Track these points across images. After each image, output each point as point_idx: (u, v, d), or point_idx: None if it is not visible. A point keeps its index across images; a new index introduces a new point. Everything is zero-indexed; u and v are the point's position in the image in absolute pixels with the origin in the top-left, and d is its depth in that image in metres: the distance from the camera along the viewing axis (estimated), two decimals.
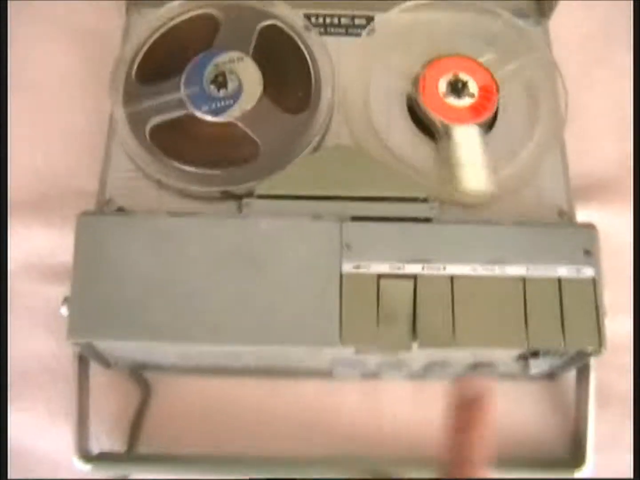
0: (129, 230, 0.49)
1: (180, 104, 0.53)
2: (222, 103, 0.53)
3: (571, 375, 0.55)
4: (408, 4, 0.57)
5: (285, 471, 0.49)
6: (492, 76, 0.55)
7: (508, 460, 0.50)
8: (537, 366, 0.51)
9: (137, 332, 0.47)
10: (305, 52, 0.55)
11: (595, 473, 0.52)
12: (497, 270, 0.48)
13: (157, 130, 0.53)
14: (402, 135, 0.54)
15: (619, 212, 0.59)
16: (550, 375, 0.56)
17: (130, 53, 0.55)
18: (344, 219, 0.49)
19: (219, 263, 0.48)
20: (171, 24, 0.56)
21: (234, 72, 0.53)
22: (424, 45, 0.56)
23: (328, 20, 0.58)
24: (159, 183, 0.52)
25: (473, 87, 0.54)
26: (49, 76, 0.63)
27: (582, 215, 0.55)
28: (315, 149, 0.53)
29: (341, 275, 0.47)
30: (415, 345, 0.47)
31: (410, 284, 0.48)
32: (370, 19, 0.58)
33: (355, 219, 0.49)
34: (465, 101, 0.54)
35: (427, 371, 0.53)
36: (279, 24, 0.56)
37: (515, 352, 0.49)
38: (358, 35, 0.58)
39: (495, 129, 0.55)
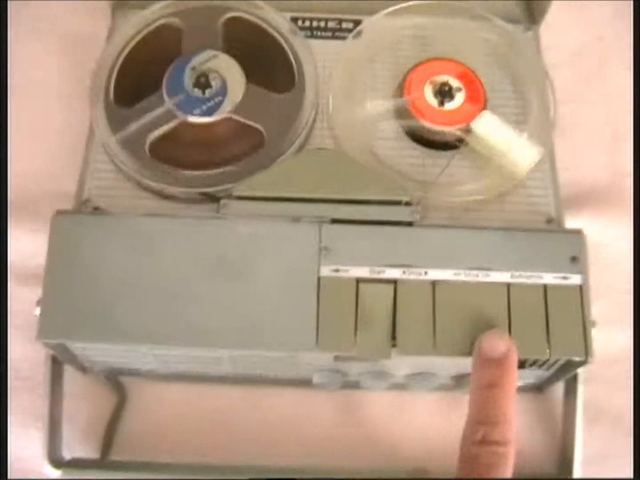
0: (104, 230, 0.48)
1: (171, 115, 0.52)
2: (212, 102, 0.52)
3: (561, 387, 0.53)
4: (395, 7, 0.56)
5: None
6: (479, 80, 0.53)
7: None
8: (523, 377, 0.50)
9: (109, 334, 0.46)
10: (290, 54, 0.54)
11: None
12: (480, 276, 0.47)
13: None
14: (387, 139, 0.53)
15: (610, 221, 0.58)
16: (539, 388, 0.54)
17: (110, 58, 0.55)
18: (324, 222, 0.48)
19: (196, 265, 0.47)
20: (134, 42, 0.55)
21: (213, 70, 0.52)
22: (411, 48, 0.56)
23: (315, 23, 0.58)
24: (138, 184, 0.51)
25: (460, 90, 0.53)
26: (31, 79, 0.63)
27: (573, 224, 0.54)
28: (297, 151, 0.51)
29: (319, 279, 0.46)
30: (394, 353, 0.45)
31: (390, 289, 0.46)
32: (357, 23, 0.57)
33: (336, 221, 0.48)
34: (453, 105, 0.53)
35: (410, 382, 0.51)
36: (243, 14, 0.56)
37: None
38: (345, 38, 0.57)
39: None
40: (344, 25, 0.58)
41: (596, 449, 0.53)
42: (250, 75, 0.53)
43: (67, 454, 0.51)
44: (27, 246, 0.57)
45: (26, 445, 0.52)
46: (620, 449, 0.53)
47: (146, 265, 0.47)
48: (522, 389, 0.53)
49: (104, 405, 0.54)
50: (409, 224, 0.48)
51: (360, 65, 0.55)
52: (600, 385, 0.54)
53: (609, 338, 0.55)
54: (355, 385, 0.52)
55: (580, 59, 0.65)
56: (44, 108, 0.62)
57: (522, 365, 0.48)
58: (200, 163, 0.51)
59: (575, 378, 0.51)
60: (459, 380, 0.51)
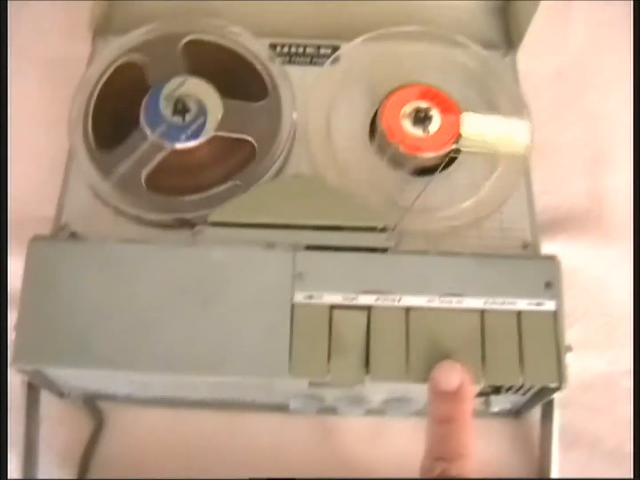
0: (80, 256, 0.48)
1: (157, 147, 0.52)
2: (195, 125, 0.52)
3: (537, 412, 0.53)
4: (373, 33, 0.56)
5: None
6: (456, 105, 0.54)
7: None
8: (498, 403, 0.50)
9: (85, 360, 0.46)
10: (267, 81, 0.55)
11: None
12: (454, 303, 0.47)
13: (106, 137, 0.53)
14: (364, 166, 0.54)
15: (588, 245, 0.59)
16: (516, 413, 0.54)
17: (92, 78, 0.55)
18: (298, 248, 0.48)
19: (170, 292, 0.47)
20: (102, 82, 0.56)
21: (187, 95, 0.53)
22: (388, 74, 0.56)
23: (293, 49, 0.58)
24: (115, 209, 0.51)
25: (436, 116, 0.53)
26: (10, 103, 0.63)
27: (551, 249, 0.54)
28: (274, 177, 0.52)
29: (293, 305, 0.46)
30: (367, 379, 0.45)
31: (363, 315, 0.46)
32: (335, 48, 0.58)
33: (310, 248, 0.48)
34: (429, 130, 0.53)
35: (387, 407, 0.51)
36: (202, 36, 0.57)
37: (475, 388, 0.48)
38: (323, 64, 0.57)
39: (459, 159, 0.54)
40: (322, 51, 0.58)
41: (573, 474, 0.53)
42: (225, 93, 0.53)
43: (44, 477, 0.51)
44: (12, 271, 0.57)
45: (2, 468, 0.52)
46: (597, 473, 0.53)
47: (121, 292, 0.47)
48: (499, 414, 0.54)
49: (81, 430, 0.54)
50: (384, 250, 0.49)
51: (338, 91, 0.56)
52: (577, 410, 0.55)
53: (586, 363, 0.55)
54: (332, 411, 0.52)
55: (558, 82, 0.66)
56: (26, 132, 0.62)
57: (497, 391, 0.48)
58: (176, 189, 0.52)
59: (551, 403, 0.51)
60: None
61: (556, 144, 0.63)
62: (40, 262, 0.48)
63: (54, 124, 0.60)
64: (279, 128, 0.53)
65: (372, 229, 0.49)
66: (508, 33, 0.61)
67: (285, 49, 0.58)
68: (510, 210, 0.53)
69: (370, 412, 0.52)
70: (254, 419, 0.54)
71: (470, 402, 0.43)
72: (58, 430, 0.54)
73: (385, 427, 0.54)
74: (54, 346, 0.46)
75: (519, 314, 0.47)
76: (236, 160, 0.53)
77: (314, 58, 0.58)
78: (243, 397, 0.52)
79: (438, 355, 0.45)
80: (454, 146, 0.53)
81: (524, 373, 0.46)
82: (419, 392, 0.47)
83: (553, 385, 0.46)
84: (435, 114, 0.53)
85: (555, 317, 0.47)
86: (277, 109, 0.54)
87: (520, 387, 0.47)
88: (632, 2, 0.67)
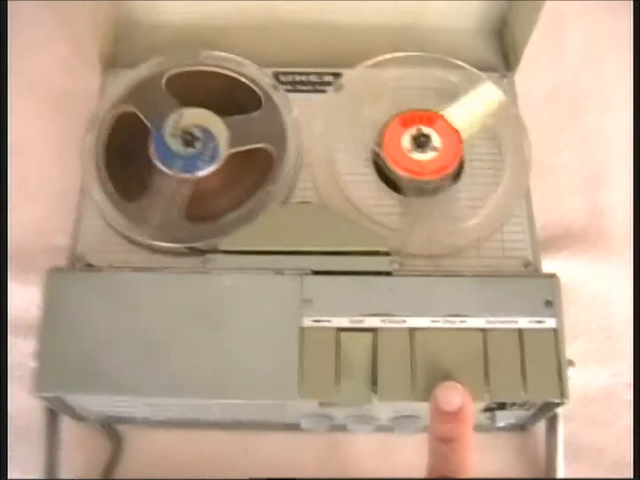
0: (96, 285, 0.50)
1: (182, 181, 0.54)
2: (209, 149, 0.54)
3: (543, 425, 0.55)
4: (374, 59, 0.58)
5: None
6: (456, 129, 0.55)
7: None
8: (504, 418, 0.51)
9: (102, 387, 0.48)
10: (271, 109, 0.57)
11: None
12: (457, 323, 0.49)
13: (128, 188, 0.54)
14: (367, 190, 0.55)
15: (588, 262, 0.60)
16: (522, 426, 0.56)
17: (102, 110, 0.57)
18: (306, 273, 0.50)
19: (182, 318, 0.49)
20: (109, 120, 0.57)
21: (189, 125, 0.55)
22: (390, 100, 0.58)
23: (297, 77, 0.60)
24: (128, 239, 0.53)
25: (436, 140, 0.55)
26: (23, 135, 0.66)
27: (552, 265, 0.56)
28: (281, 205, 0.53)
29: (301, 330, 0.48)
30: (375, 399, 0.47)
31: (369, 337, 0.48)
32: (338, 75, 0.59)
33: (317, 273, 0.50)
34: (429, 155, 0.54)
35: (395, 424, 0.53)
36: (182, 69, 0.58)
37: (480, 404, 0.49)
38: (326, 91, 0.59)
39: (460, 181, 0.56)
40: (325, 78, 0.60)
41: None
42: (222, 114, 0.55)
43: None
44: (22, 298, 0.59)
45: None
46: None
47: (135, 320, 0.49)
48: (504, 429, 0.55)
49: (100, 452, 0.55)
50: (388, 273, 0.50)
51: (341, 117, 0.57)
52: (581, 423, 0.56)
53: (588, 377, 0.57)
54: (342, 428, 0.54)
55: (556, 101, 0.67)
56: (38, 165, 0.64)
57: (502, 406, 0.50)
58: (187, 218, 0.53)
59: (555, 416, 0.52)
60: None
61: (555, 162, 0.64)
62: (59, 292, 0.50)
63: (64, 156, 0.62)
64: (285, 157, 0.55)
65: (376, 253, 0.51)
66: (505, 55, 0.63)
67: (289, 78, 0.60)
68: (511, 230, 0.54)
69: (379, 428, 0.54)
70: (266, 438, 0.56)
71: (471, 421, 0.45)
72: (77, 453, 0.55)
73: (394, 443, 0.56)
74: (74, 374, 0.48)
75: (520, 332, 0.48)
76: (230, 199, 0.54)
77: (317, 85, 0.60)
78: (256, 417, 0.54)
79: (443, 375, 0.47)
80: (435, 181, 0.54)
81: (526, 389, 0.47)
82: (425, 409, 0.48)
83: (555, 400, 0.47)
84: (436, 138, 0.55)
85: (555, 334, 0.48)
86: (282, 135, 0.56)
87: (524, 403, 0.49)
88: (632, 2, 0.69)
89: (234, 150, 0.54)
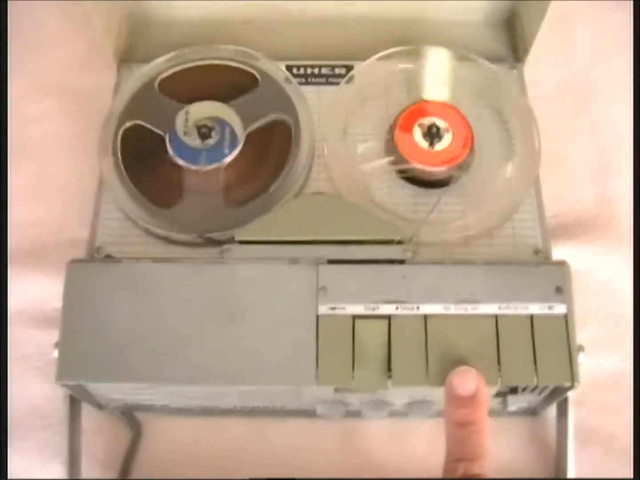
0: (115, 276, 0.51)
1: (215, 171, 0.55)
2: (228, 135, 0.56)
3: (554, 410, 0.56)
4: (385, 52, 0.59)
5: None
6: (466, 119, 0.56)
7: None
8: (515, 403, 0.52)
9: (123, 374, 0.49)
10: (285, 102, 0.58)
11: None
12: (469, 310, 0.49)
13: (143, 178, 0.56)
14: (380, 180, 0.56)
15: (597, 249, 0.61)
16: (533, 411, 0.56)
17: (118, 108, 0.58)
18: (321, 262, 0.51)
19: (201, 307, 0.50)
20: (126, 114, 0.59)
21: (200, 119, 0.56)
22: (400, 91, 0.59)
23: (309, 70, 0.61)
24: (146, 230, 0.54)
25: (447, 131, 0.56)
26: (41, 132, 0.67)
27: (562, 253, 0.57)
28: (296, 195, 0.54)
29: (317, 317, 0.49)
30: (390, 384, 0.48)
31: (384, 324, 0.49)
32: (349, 68, 0.60)
33: (332, 262, 0.51)
34: (441, 145, 0.55)
35: (409, 409, 0.54)
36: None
37: (492, 389, 0.50)
38: (338, 84, 0.60)
39: (471, 171, 0.56)
40: (337, 71, 0.61)
41: (588, 469, 0.55)
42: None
43: None
44: (40, 290, 0.60)
45: (51, 478, 0.54)
46: (613, 468, 0.55)
47: (154, 309, 0.50)
48: (516, 413, 0.56)
49: (120, 439, 0.57)
50: (401, 261, 0.51)
51: (353, 109, 0.58)
52: (591, 408, 0.57)
53: (598, 362, 0.57)
54: (357, 414, 0.55)
55: (566, 92, 0.68)
56: (56, 161, 0.66)
57: (514, 391, 0.51)
58: (204, 209, 0.54)
59: (566, 401, 0.53)
60: None
61: (564, 152, 0.65)
62: (79, 283, 0.51)
63: (82, 152, 0.64)
64: (299, 148, 0.56)
65: (389, 242, 0.52)
66: (515, 46, 0.64)
67: (302, 70, 0.61)
68: (522, 218, 0.55)
69: (393, 414, 0.55)
70: (282, 424, 0.57)
71: (486, 405, 0.46)
72: (98, 440, 0.56)
73: (408, 429, 0.57)
74: (95, 362, 0.49)
75: (531, 317, 0.49)
76: (246, 190, 0.55)
77: (329, 78, 0.61)
78: (272, 404, 0.55)
79: (456, 360, 0.48)
80: (447, 171, 0.55)
81: (538, 374, 0.48)
82: (439, 394, 0.49)
83: (566, 384, 0.48)
84: (447, 129, 0.56)
85: (566, 319, 0.49)
86: (296, 130, 0.57)
87: (535, 387, 0.49)
88: (632, 2, 0.69)
89: (250, 129, 0.56)
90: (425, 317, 0.49)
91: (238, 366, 0.48)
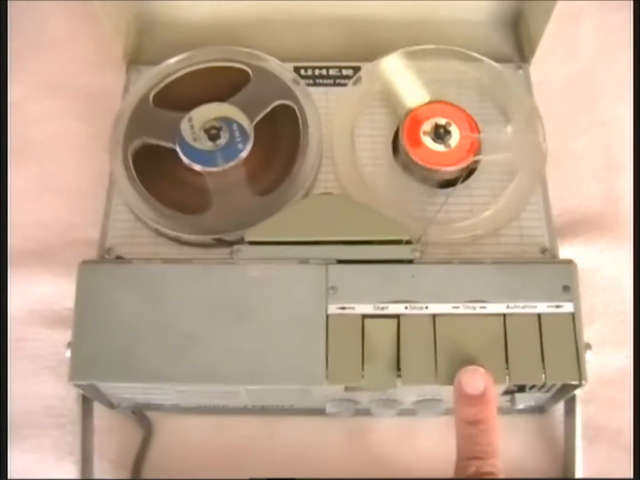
0: (126, 277, 0.51)
1: (234, 168, 0.56)
2: (236, 131, 0.56)
3: (561, 407, 0.56)
4: (391, 53, 0.59)
5: None
6: (473, 119, 0.56)
7: None
8: (523, 400, 0.53)
9: (134, 374, 0.49)
10: (294, 105, 0.58)
11: None
12: (477, 309, 0.50)
13: (154, 180, 0.56)
14: (388, 180, 0.57)
15: (604, 247, 0.61)
16: (541, 408, 0.57)
17: (128, 110, 0.58)
18: (330, 262, 0.51)
19: (211, 307, 0.50)
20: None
21: (205, 122, 0.57)
22: (408, 92, 0.59)
23: (317, 71, 0.62)
24: (156, 231, 0.55)
25: (455, 131, 0.56)
26: (50, 134, 0.67)
27: (570, 251, 0.57)
28: (304, 196, 0.55)
29: (327, 317, 0.50)
30: (399, 383, 0.49)
31: (393, 324, 0.49)
32: (357, 69, 0.61)
33: (341, 262, 0.51)
34: (448, 145, 0.56)
35: (418, 407, 0.54)
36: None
37: (500, 387, 0.50)
38: (346, 85, 0.60)
39: (478, 171, 0.57)
40: (344, 72, 0.61)
41: (597, 466, 0.55)
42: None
43: None
44: (50, 290, 0.60)
45: (62, 477, 0.55)
46: (620, 465, 0.56)
47: (165, 309, 0.50)
48: (524, 411, 0.56)
49: (131, 438, 0.57)
50: (410, 261, 0.52)
51: (361, 110, 0.59)
52: (599, 405, 0.57)
53: (605, 359, 0.58)
54: (366, 413, 0.55)
55: (571, 90, 0.68)
56: (65, 161, 0.66)
57: (522, 389, 0.51)
58: (213, 210, 0.55)
59: (573, 399, 0.54)
60: None
61: (570, 150, 0.65)
62: (91, 284, 0.51)
63: (91, 153, 0.64)
64: (307, 149, 0.56)
65: (398, 242, 0.52)
66: (520, 46, 0.64)
67: (309, 72, 0.62)
68: (528, 217, 0.56)
69: (402, 412, 0.55)
70: (292, 422, 0.57)
71: (495, 403, 0.46)
72: (110, 439, 0.57)
73: (417, 427, 0.57)
74: (106, 363, 0.49)
75: (539, 316, 0.50)
76: (255, 190, 0.56)
77: (337, 79, 0.61)
78: (282, 403, 0.55)
79: (465, 359, 0.49)
80: (454, 171, 0.56)
81: (545, 372, 0.49)
82: (448, 392, 0.49)
83: (573, 382, 0.49)
84: (454, 129, 0.56)
85: (573, 318, 0.50)
86: (304, 130, 0.57)
87: (543, 385, 0.50)
88: (632, 2, 0.70)
89: (256, 120, 0.56)
90: (434, 317, 0.50)
91: (248, 366, 0.49)
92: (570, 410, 0.55)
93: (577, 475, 0.53)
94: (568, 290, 0.50)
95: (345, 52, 0.62)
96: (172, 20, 0.65)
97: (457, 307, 0.50)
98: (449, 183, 0.56)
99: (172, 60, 0.61)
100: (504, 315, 0.50)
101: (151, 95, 0.59)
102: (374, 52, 0.60)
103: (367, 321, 0.49)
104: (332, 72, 0.62)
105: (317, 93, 0.60)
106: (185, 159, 0.55)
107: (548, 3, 0.58)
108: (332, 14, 0.64)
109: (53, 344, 0.58)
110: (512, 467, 0.56)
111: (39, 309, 0.60)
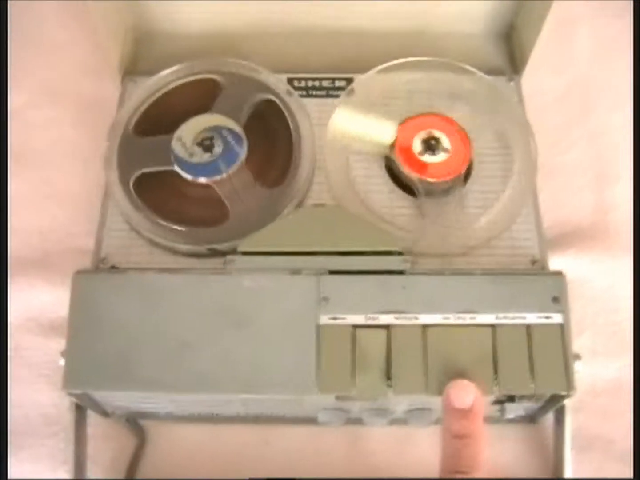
0: (121, 286, 0.52)
1: (238, 171, 0.56)
2: (228, 136, 0.57)
3: (552, 417, 0.56)
4: (384, 65, 0.60)
5: None
6: (465, 131, 0.57)
7: None
8: (513, 410, 0.53)
9: (128, 383, 0.50)
10: (287, 116, 0.59)
11: None
12: (467, 319, 0.50)
13: (149, 191, 0.57)
14: (380, 192, 0.57)
15: (595, 258, 0.62)
16: (531, 418, 0.57)
17: (124, 118, 0.59)
18: (322, 273, 0.52)
19: (204, 317, 0.51)
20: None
21: (194, 137, 0.57)
22: (400, 104, 0.59)
23: (310, 83, 0.62)
24: (151, 241, 0.55)
25: (446, 143, 0.56)
26: (48, 143, 0.68)
27: (561, 262, 0.58)
28: (297, 207, 0.55)
29: (318, 327, 0.50)
30: (390, 393, 0.49)
31: (384, 334, 0.50)
32: (350, 81, 0.61)
33: (333, 272, 0.52)
34: (440, 157, 0.56)
35: (409, 417, 0.54)
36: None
37: (490, 397, 0.51)
38: (339, 96, 0.61)
39: (470, 182, 0.57)
40: (337, 83, 0.62)
41: (588, 476, 0.56)
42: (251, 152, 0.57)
43: None
44: (46, 298, 0.61)
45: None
46: (611, 474, 0.56)
47: (159, 319, 0.51)
48: (514, 420, 0.57)
49: (125, 447, 0.58)
50: (401, 272, 0.52)
51: (353, 121, 0.59)
52: (590, 414, 0.58)
53: (596, 370, 0.58)
54: (358, 422, 0.56)
55: (564, 101, 0.69)
56: (62, 169, 0.67)
57: (511, 399, 0.52)
58: (207, 220, 0.55)
59: (563, 409, 0.54)
60: None
61: (562, 162, 0.66)
62: (85, 293, 0.52)
63: (88, 161, 0.65)
64: (300, 160, 0.57)
65: (389, 253, 0.53)
66: (512, 58, 0.65)
67: (303, 83, 0.62)
68: (519, 229, 0.56)
69: (393, 421, 0.56)
70: (285, 430, 0.58)
71: (481, 418, 0.46)
72: (103, 448, 0.57)
73: (410, 435, 0.58)
74: (101, 371, 0.50)
75: (528, 327, 0.50)
76: (247, 202, 0.56)
77: (330, 90, 0.62)
78: (275, 411, 0.56)
79: (455, 369, 0.49)
80: (446, 183, 0.56)
81: (535, 382, 0.49)
82: (438, 402, 0.50)
83: (562, 392, 0.49)
84: (445, 140, 0.57)
85: (562, 329, 0.50)
86: (297, 142, 0.58)
87: (532, 395, 0.50)
88: (632, 2, 0.71)
89: (243, 120, 0.57)
90: (425, 327, 0.50)
91: (241, 375, 0.49)
92: (560, 420, 0.55)
93: None
94: (557, 301, 0.51)
95: (338, 64, 0.63)
96: (168, 31, 0.66)
97: (448, 318, 0.50)
98: (440, 194, 0.57)
99: (167, 72, 0.61)
100: (494, 325, 0.50)
101: (131, 128, 0.59)
102: (367, 64, 0.61)
103: (358, 331, 0.50)
104: (325, 83, 0.62)
105: (311, 104, 0.60)
106: (188, 176, 0.56)
107: (540, 13, 0.58)
108: (325, 25, 0.64)
109: (48, 352, 0.59)
110: (503, 476, 0.56)
111: (36, 317, 0.61)
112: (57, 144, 0.68)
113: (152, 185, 0.57)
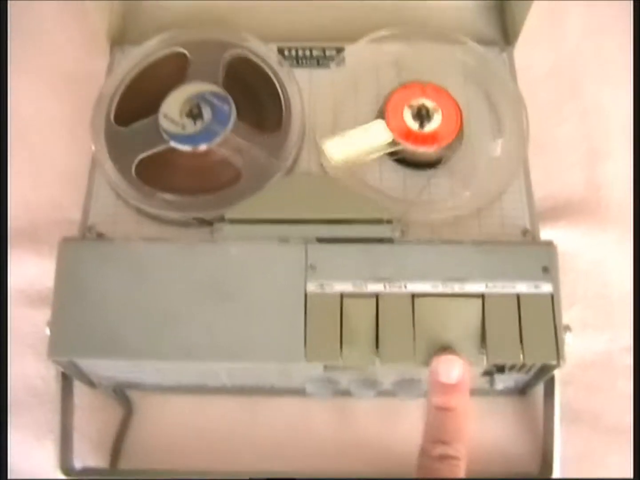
0: (107, 255, 0.51)
1: (225, 143, 0.55)
2: (216, 102, 0.56)
3: (542, 390, 0.56)
4: (375, 34, 0.59)
5: None
6: (455, 100, 0.56)
7: (478, 475, 0.52)
8: (503, 381, 0.53)
9: (114, 351, 0.49)
10: (277, 84, 0.58)
11: None
12: (456, 288, 0.50)
13: (140, 164, 0.56)
14: (370, 162, 0.56)
15: (585, 232, 0.61)
16: (522, 390, 0.57)
17: (110, 90, 0.58)
18: (310, 241, 0.51)
19: (191, 286, 0.50)
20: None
21: (180, 110, 0.56)
22: (391, 73, 0.59)
23: (300, 52, 0.61)
24: (138, 210, 0.55)
25: (437, 112, 0.56)
26: (37, 115, 0.67)
27: (551, 234, 0.57)
28: (286, 175, 0.55)
29: (306, 295, 0.50)
30: (377, 362, 0.49)
31: (372, 302, 0.49)
32: (340, 50, 0.61)
33: (321, 240, 0.51)
34: (430, 126, 0.56)
35: (397, 388, 0.54)
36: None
37: (479, 367, 0.51)
38: (329, 66, 0.60)
39: (460, 152, 0.57)
40: (328, 53, 0.61)
41: (576, 448, 0.55)
42: (243, 115, 0.56)
43: (78, 464, 0.54)
44: (34, 270, 0.61)
45: (41, 456, 0.55)
46: (599, 447, 0.56)
47: (145, 287, 0.50)
48: (504, 393, 0.56)
49: (112, 417, 0.57)
50: (390, 240, 0.52)
51: (344, 91, 0.59)
52: (578, 388, 0.57)
53: (586, 343, 0.58)
54: (346, 393, 0.55)
55: (556, 76, 0.68)
56: (47, 140, 0.66)
57: (501, 370, 0.51)
58: (194, 189, 0.55)
59: (552, 380, 0.54)
60: None
61: (554, 136, 0.65)
62: (71, 261, 0.51)
63: (76, 134, 0.64)
64: (289, 128, 0.56)
65: (378, 221, 0.52)
66: (504, 30, 0.64)
67: (293, 53, 0.61)
68: (510, 199, 0.56)
69: (382, 393, 0.55)
70: (273, 403, 0.57)
71: (467, 392, 0.46)
72: (90, 418, 0.57)
73: (399, 407, 0.57)
74: (86, 339, 0.49)
75: (518, 296, 0.50)
76: (211, 179, 0.56)
77: (320, 60, 0.61)
78: (262, 382, 0.55)
79: (443, 339, 0.49)
80: (437, 152, 0.56)
81: (524, 352, 0.49)
82: (427, 373, 0.49)
83: (552, 362, 0.49)
84: (436, 110, 0.56)
85: (552, 298, 0.50)
86: (287, 111, 0.57)
87: (522, 366, 0.50)
88: (632, 2, 0.70)
89: (221, 80, 0.57)
90: (413, 296, 0.50)
91: (228, 343, 0.49)
92: (549, 393, 0.54)
93: (556, 456, 0.53)
94: (547, 271, 0.50)
95: (328, 33, 0.62)
96: (155, 1, 0.65)
97: (436, 287, 0.50)
98: (430, 164, 0.56)
99: (154, 41, 0.60)
100: (483, 294, 0.50)
101: (112, 117, 0.58)
102: (358, 33, 0.60)
103: (346, 300, 0.49)
104: (315, 52, 0.61)
105: (301, 74, 0.59)
106: (187, 147, 0.55)
107: None
108: None
109: (36, 323, 0.58)
110: (492, 449, 0.56)
111: (24, 289, 0.60)
112: (44, 116, 0.67)
113: (144, 159, 0.56)
